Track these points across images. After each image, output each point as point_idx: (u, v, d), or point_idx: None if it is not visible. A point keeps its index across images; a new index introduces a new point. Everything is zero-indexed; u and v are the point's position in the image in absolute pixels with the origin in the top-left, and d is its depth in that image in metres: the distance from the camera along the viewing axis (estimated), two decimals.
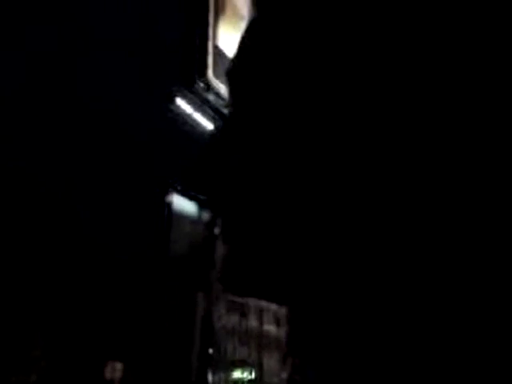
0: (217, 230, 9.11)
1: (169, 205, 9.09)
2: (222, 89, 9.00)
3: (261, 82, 0.61)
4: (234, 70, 0.66)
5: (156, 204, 9.35)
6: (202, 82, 8.78)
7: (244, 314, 9.41)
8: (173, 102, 8.72)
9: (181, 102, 8.76)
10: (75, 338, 9.09)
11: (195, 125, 8.94)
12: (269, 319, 9.91)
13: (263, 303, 9.64)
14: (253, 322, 9.62)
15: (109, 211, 9.73)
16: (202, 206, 9.24)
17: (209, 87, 8.82)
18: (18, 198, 9.91)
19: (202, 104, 8.88)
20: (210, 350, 8.44)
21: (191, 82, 8.78)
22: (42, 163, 9.70)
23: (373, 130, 0.53)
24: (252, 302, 9.65)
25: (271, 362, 9.86)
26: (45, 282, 9.77)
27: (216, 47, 9.08)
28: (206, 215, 9.21)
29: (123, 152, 9.55)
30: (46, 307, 9.55)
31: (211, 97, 8.88)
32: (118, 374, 7.04)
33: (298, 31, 0.58)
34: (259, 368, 9.62)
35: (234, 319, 9.19)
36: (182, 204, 9.17)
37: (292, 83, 0.58)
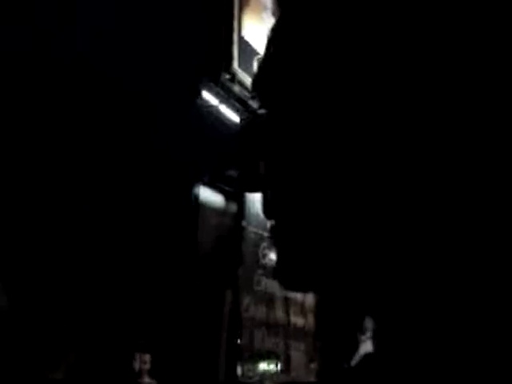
0: (244, 223, 9.13)
1: (196, 197, 9.12)
2: (248, 80, 9.01)
3: (287, 88, 0.61)
4: (261, 77, 0.67)
5: (183, 197, 9.38)
6: (228, 73, 8.80)
7: (271, 305, 9.43)
8: (198, 94, 8.75)
9: (206, 95, 8.79)
10: (104, 330, 9.17)
11: (221, 117, 8.96)
12: (295, 310, 9.93)
13: (290, 295, 9.65)
14: (280, 313, 9.64)
15: (134, 205, 9.77)
16: (228, 198, 9.26)
17: (234, 79, 8.84)
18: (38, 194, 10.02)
19: (227, 96, 8.91)
20: (238, 341, 8.48)
21: (217, 73, 8.81)
22: (63, 159, 9.78)
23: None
24: (279, 293, 9.66)
25: (298, 353, 9.88)
26: (74, 273, 9.86)
27: (240, 38, 9.10)
28: (233, 207, 9.23)
29: (149, 145, 9.59)
30: (75, 300, 9.64)
31: (237, 88, 8.90)
32: (146, 366, 7.10)
33: (324, 31, 0.58)
34: (287, 359, 9.64)
35: (261, 310, 9.22)
36: (209, 196, 9.20)
37: (317, 87, 0.58)
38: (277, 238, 0.63)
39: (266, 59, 0.66)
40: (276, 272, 0.63)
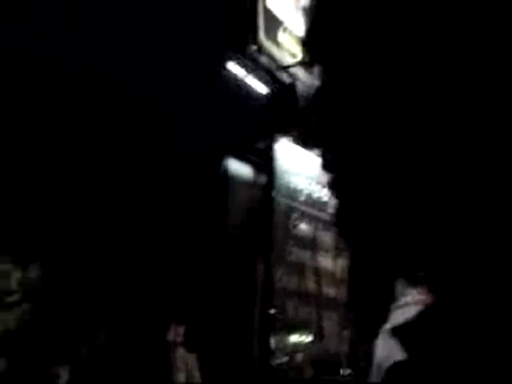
0: (274, 194, 9.12)
1: (225, 170, 9.12)
2: (274, 50, 8.94)
3: (340, 50, 0.61)
4: (313, 38, 0.66)
5: (212, 170, 9.39)
6: (254, 44, 8.74)
7: (303, 276, 9.44)
8: (225, 66, 8.71)
9: (233, 67, 8.75)
10: (138, 302, 9.25)
11: (248, 88, 8.92)
12: (327, 281, 9.94)
13: (321, 265, 9.62)
14: (311, 284, 9.65)
15: (164, 181, 9.79)
16: (257, 169, 9.24)
17: (261, 49, 8.77)
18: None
19: (254, 67, 8.86)
20: (272, 311, 8.50)
21: (243, 45, 8.75)
22: (94, 132, 9.81)
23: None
24: (310, 264, 9.66)
25: (331, 322, 9.89)
26: (108, 249, 9.93)
27: (265, 8, 9.01)
28: (262, 179, 9.20)
29: (176, 119, 9.59)
30: (107, 275, 9.72)
31: (264, 59, 8.84)
32: (180, 338, 7.16)
33: None
34: (319, 329, 9.67)
35: (293, 280, 9.23)
36: (238, 169, 9.18)
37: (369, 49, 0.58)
38: (336, 190, 0.65)
39: (320, 15, 0.65)
40: (334, 220, 0.64)
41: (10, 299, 12.43)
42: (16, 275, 12.92)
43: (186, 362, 7.03)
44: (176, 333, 7.15)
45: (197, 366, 7.08)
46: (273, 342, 8.54)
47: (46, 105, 9.68)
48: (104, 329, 9.26)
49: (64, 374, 7.87)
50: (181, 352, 7.05)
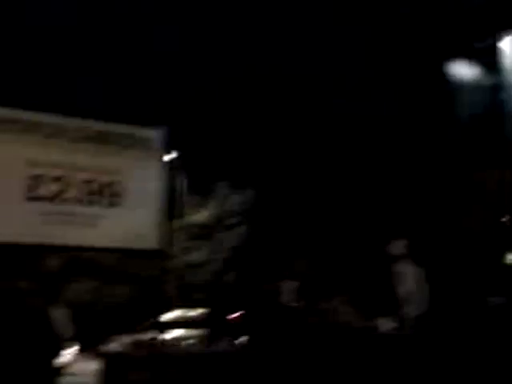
0: (503, 95, 8.52)
1: (447, 73, 8.71)
2: None
3: None
4: None
5: (435, 72, 9.00)
6: None
7: None
8: None
9: None
10: (361, 215, 9.24)
11: None
12: None
13: None
14: None
15: (387, 85, 9.63)
16: (485, 69, 8.72)
17: None
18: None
19: None
20: (505, 219, 8.12)
21: None
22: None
23: None
24: None
25: None
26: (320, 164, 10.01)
27: None
28: (489, 80, 8.68)
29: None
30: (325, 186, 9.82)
31: None
32: (402, 250, 7.02)
33: None
34: None
35: None
36: (461, 70, 8.72)
37: None
38: None
39: None
40: None
41: (230, 221, 13.33)
42: (234, 199, 13.80)
43: (410, 275, 6.88)
44: (397, 246, 7.01)
45: (420, 278, 6.90)
46: (508, 253, 8.20)
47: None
48: (316, 247, 9.41)
49: (287, 290, 8.10)
50: (403, 265, 6.90)
